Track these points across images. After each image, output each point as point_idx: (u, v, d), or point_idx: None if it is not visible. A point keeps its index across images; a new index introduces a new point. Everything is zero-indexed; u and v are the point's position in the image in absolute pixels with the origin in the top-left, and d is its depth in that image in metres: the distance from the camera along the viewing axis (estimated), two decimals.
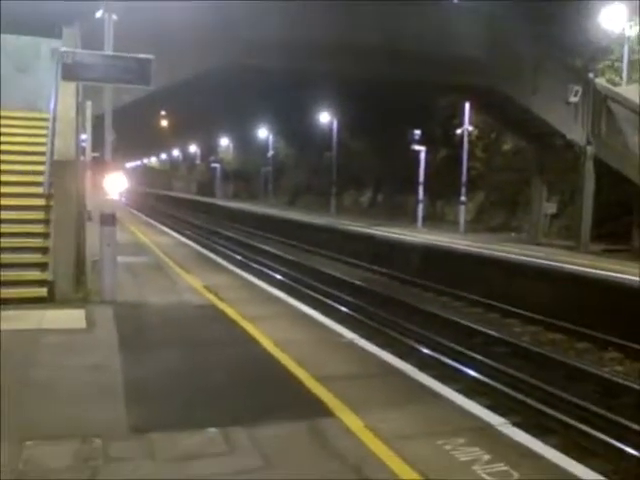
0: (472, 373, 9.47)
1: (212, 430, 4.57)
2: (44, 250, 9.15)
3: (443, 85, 20.76)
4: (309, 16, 16.03)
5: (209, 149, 68.10)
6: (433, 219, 28.87)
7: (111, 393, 5.31)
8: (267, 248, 25.69)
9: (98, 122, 10.05)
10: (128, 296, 9.41)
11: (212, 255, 16.20)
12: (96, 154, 10.54)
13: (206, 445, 4.36)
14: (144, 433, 4.48)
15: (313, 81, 27.71)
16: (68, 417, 4.79)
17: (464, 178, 24.87)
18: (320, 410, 5.04)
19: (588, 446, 7.06)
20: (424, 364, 8.65)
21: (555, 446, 4.84)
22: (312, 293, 15.62)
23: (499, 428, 4.83)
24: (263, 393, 5.51)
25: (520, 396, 8.48)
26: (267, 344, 6.95)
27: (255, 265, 20.31)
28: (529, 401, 8.31)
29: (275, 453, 4.26)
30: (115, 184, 9.03)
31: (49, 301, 8.56)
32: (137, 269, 12.21)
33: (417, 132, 26.24)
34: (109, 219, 8.99)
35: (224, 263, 14.44)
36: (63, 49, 9.04)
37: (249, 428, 4.61)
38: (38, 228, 9.48)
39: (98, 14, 8.96)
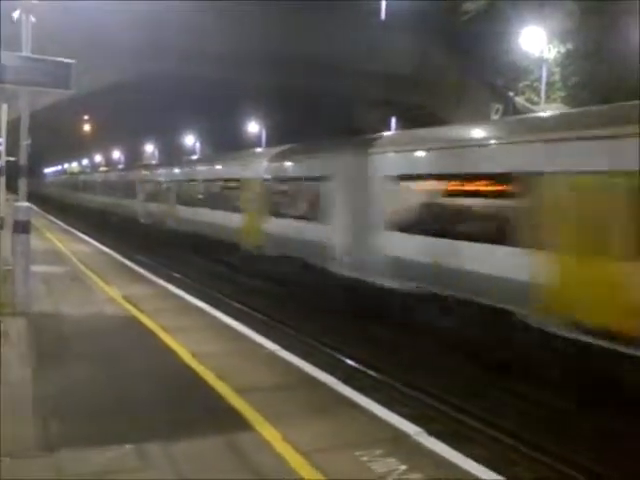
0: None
1: (126, 446, 4.44)
2: None
3: (372, 99, 21.11)
4: (244, 29, 16.03)
5: (134, 155, 66.64)
6: None
7: (19, 409, 5.09)
8: (192, 258, 25.29)
9: (14, 126, 9.67)
10: (43, 307, 9.06)
11: (133, 265, 15.79)
12: (11, 158, 10.15)
13: (119, 462, 4.23)
14: (53, 451, 4.31)
15: (243, 90, 27.63)
16: None
17: None
18: (239, 423, 4.98)
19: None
20: (346, 374, 8.69)
21: (472, 455, 4.94)
22: (236, 304, 15.45)
23: (416, 437, 4.89)
24: (180, 407, 5.39)
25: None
26: (186, 356, 6.83)
27: (178, 275, 19.93)
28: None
29: (191, 469, 4.18)
30: None
31: None
32: (54, 279, 11.77)
33: None
34: (23, 226, 8.60)
35: (146, 273, 14.11)
36: None
37: (165, 444, 4.51)
38: None
39: (15, 15, 8.58)
